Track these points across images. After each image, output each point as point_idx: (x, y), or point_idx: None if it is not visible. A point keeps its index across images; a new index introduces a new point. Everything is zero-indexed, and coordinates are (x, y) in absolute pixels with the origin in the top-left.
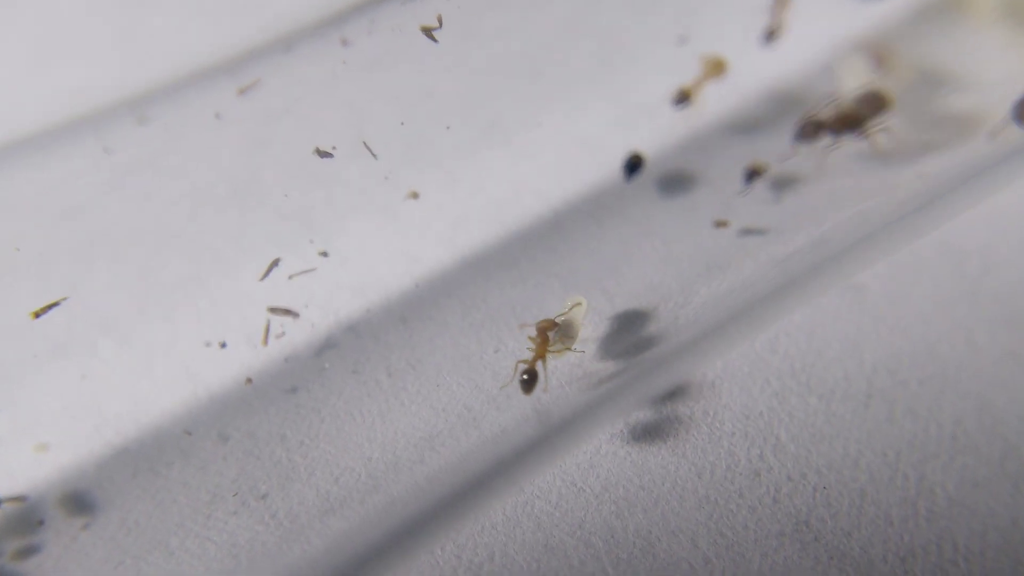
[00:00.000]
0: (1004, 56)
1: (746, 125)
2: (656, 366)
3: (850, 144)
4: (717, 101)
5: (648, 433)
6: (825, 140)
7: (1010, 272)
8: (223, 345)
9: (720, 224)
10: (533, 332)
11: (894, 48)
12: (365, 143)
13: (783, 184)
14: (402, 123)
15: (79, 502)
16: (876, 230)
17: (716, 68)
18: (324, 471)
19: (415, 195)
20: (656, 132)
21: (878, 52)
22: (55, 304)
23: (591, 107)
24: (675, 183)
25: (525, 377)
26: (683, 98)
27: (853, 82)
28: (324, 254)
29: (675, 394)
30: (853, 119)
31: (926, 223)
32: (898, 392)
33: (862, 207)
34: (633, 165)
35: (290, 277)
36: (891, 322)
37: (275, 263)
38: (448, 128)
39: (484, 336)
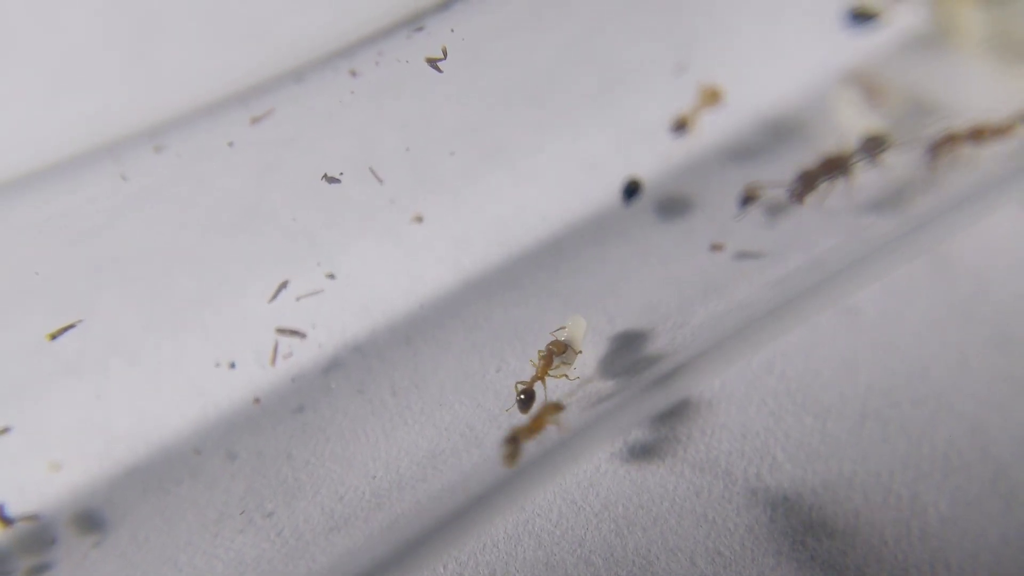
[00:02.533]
0: (992, 85)
1: (741, 152)
2: (654, 385)
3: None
4: (713, 128)
5: (647, 452)
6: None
7: (1002, 294)
8: (232, 365)
9: (716, 247)
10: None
11: (885, 78)
12: (371, 169)
13: (777, 209)
14: (407, 149)
15: (90, 520)
16: (870, 252)
17: (712, 97)
18: (329, 489)
19: (419, 218)
20: (654, 157)
21: (870, 83)
22: (70, 326)
23: (592, 133)
24: (673, 207)
25: (522, 397)
26: (681, 125)
27: (847, 111)
28: (331, 276)
29: (673, 413)
30: (840, 162)
31: (920, 245)
32: (892, 412)
33: (855, 230)
34: (632, 189)
35: (298, 299)
36: (885, 343)
37: (283, 285)
38: (452, 153)
39: (487, 356)
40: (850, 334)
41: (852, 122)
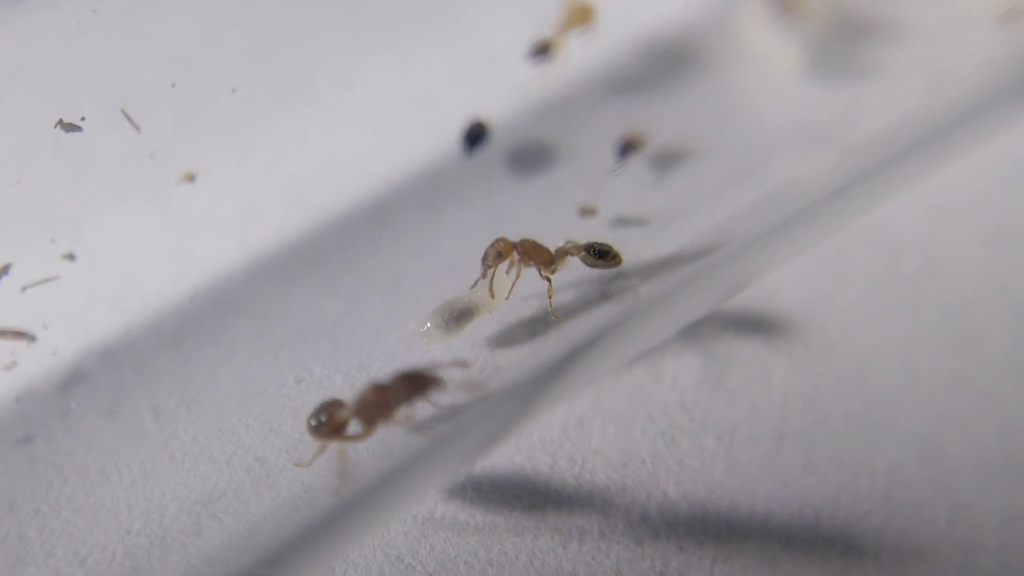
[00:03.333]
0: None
1: (620, 85)
2: (506, 397)
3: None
4: (584, 54)
5: (497, 489)
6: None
7: (958, 273)
8: None
9: (587, 212)
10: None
11: None
12: (124, 111)
13: (668, 160)
14: (173, 85)
15: None
16: (789, 218)
17: (582, 14)
18: (66, 549)
19: (191, 177)
20: (506, 92)
21: None
22: None
23: (423, 59)
24: (530, 158)
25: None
26: (541, 50)
27: (756, 32)
28: (70, 257)
29: (532, 435)
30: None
31: (852, 210)
32: (818, 432)
33: (769, 188)
34: (475, 135)
35: (24, 288)
36: (809, 340)
37: (4, 270)
38: (234, 90)
39: (283, 362)
40: (763, 328)
41: (762, 45)
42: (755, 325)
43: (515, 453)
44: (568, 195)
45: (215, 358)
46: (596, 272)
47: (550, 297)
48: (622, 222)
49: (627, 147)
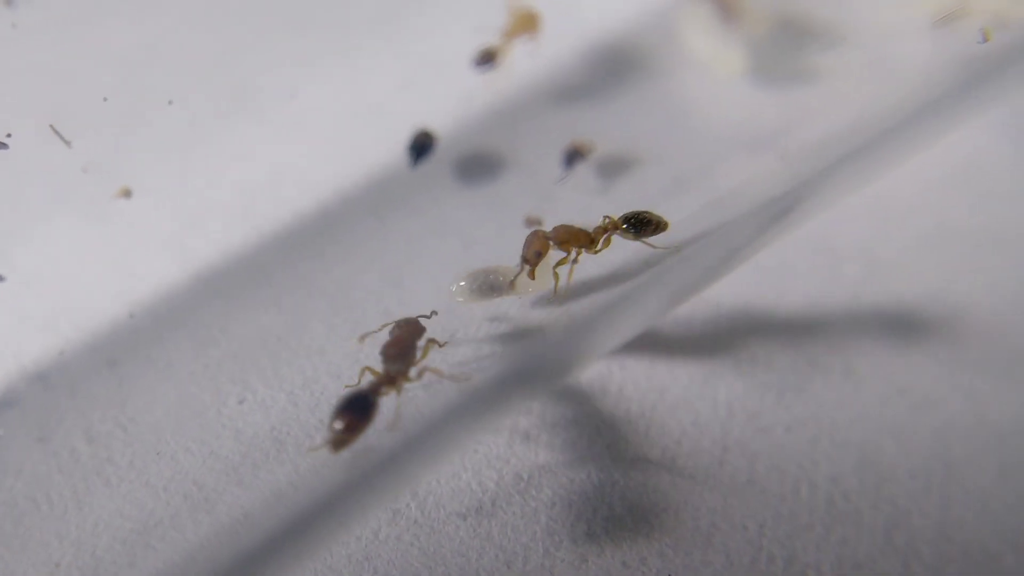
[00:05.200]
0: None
1: (568, 92)
2: (450, 415)
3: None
4: (530, 62)
5: (441, 507)
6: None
7: (898, 278)
8: None
9: (532, 223)
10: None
11: None
12: (52, 127)
13: (614, 168)
14: (105, 99)
15: None
16: (732, 228)
17: (527, 21)
18: None
19: (127, 192)
20: (453, 102)
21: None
22: None
23: (369, 68)
24: (477, 167)
25: None
26: (486, 59)
27: (698, 36)
28: None
29: (478, 451)
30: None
31: (793, 217)
32: (760, 442)
33: (713, 197)
34: (421, 145)
35: None
36: (751, 347)
37: None
38: (171, 102)
39: (224, 381)
40: (706, 335)
41: (705, 50)
42: (698, 334)
43: (461, 470)
44: (515, 204)
45: (153, 378)
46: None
47: (569, 278)
48: None
49: (573, 155)
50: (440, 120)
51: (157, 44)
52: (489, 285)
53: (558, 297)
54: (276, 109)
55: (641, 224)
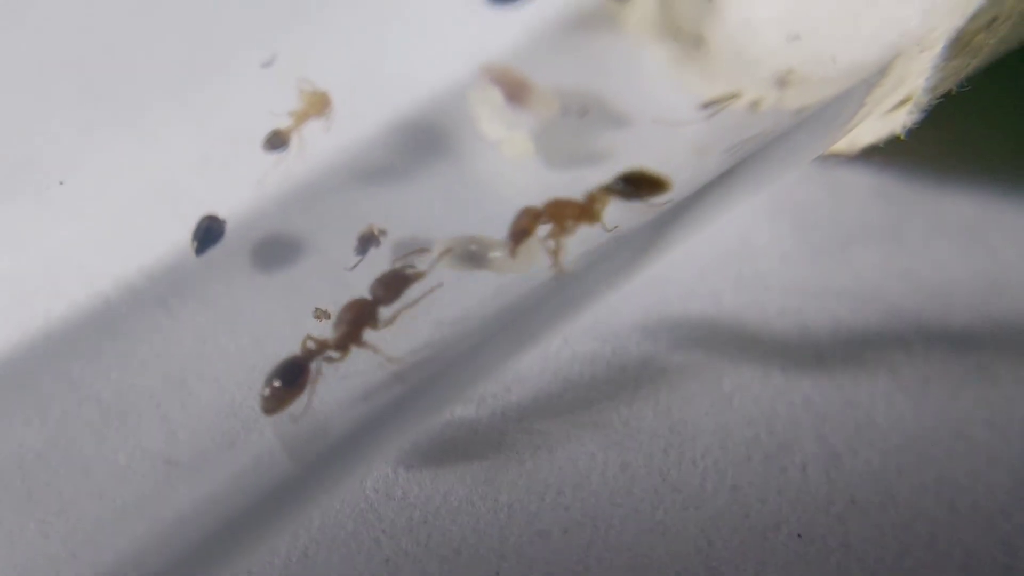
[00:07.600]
0: (664, 79)
1: (367, 172)
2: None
3: None
4: (325, 142)
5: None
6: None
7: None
8: None
9: (321, 316)
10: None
11: (525, 74)
12: None
13: (410, 250)
14: None
15: None
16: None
17: (317, 102)
18: None
19: None
20: (247, 185)
21: (508, 78)
22: None
23: (158, 142)
24: (271, 252)
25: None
26: (276, 142)
27: (485, 115)
28: None
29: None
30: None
31: (572, 297)
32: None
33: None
34: (208, 232)
35: None
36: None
37: None
38: None
39: None
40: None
41: (493, 132)
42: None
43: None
44: (310, 290)
45: None
46: None
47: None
48: None
49: (366, 241)
50: (234, 203)
51: None
52: (469, 255)
53: (558, 273)
54: (48, 188)
55: (638, 183)
